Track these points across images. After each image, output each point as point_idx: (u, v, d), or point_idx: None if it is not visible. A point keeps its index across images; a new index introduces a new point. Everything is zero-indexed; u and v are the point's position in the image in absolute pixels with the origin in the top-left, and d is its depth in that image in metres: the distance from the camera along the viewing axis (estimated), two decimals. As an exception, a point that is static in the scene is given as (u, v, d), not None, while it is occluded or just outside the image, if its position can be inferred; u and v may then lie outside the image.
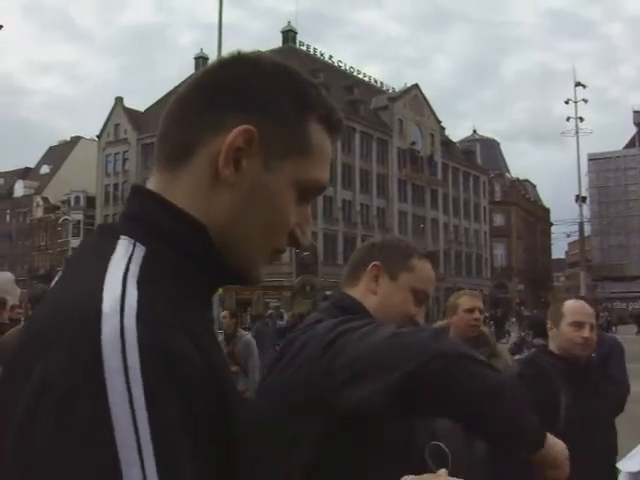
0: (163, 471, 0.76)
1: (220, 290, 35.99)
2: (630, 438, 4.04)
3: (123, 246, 0.92)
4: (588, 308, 3.48)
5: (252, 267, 1.01)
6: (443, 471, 1.17)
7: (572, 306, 3.46)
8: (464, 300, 4.48)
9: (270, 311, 48.72)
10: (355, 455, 1.67)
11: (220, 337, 7.90)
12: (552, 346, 3.48)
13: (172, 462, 0.78)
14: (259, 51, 1.04)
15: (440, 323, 4.82)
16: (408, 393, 1.51)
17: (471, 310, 4.42)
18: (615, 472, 2.91)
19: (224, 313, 8.71)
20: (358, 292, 2.00)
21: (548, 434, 1.59)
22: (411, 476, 1.16)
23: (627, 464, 2.19)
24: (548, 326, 3.55)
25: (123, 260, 0.89)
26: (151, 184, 1.00)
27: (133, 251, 0.91)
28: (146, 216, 0.96)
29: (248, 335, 8.83)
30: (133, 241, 0.92)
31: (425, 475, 1.18)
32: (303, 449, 1.67)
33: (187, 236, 0.95)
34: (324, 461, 1.66)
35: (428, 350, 1.52)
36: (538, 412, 1.71)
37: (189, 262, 0.95)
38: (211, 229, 0.97)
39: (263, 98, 0.98)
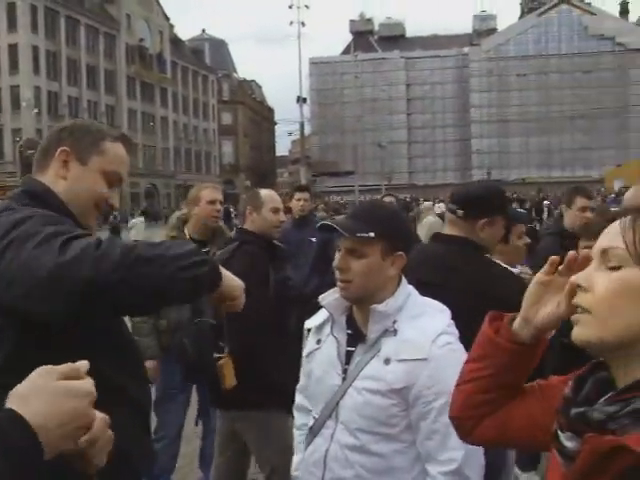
0: None
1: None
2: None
3: None
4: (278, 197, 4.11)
5: None
6: (84, 363, 1.08)
7: (270, 195, 4.05)
8: (207, 192, 4.65)
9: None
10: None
11: None
12: (251, 228, 3.94)
13: None
14: None
15: (178, 213, 4.97)
16: (88, 303, 1.55)
17: (213, 202, 4.62)
18: None
19: None
20: (48, 178, 1.93)
21: (224, 272, 1.76)
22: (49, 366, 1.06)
23: (310, 321, 2.49)
24: (247, 212, 3.94)
25: None
26: None
27: None
28: None
29: None
30: None
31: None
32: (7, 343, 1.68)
33: None
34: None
35: (98, 264, 1.53)
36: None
37: None
38: None
39: None
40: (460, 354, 2.05)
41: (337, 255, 2.19)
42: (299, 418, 2.54)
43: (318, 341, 2.34)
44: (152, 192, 72.38)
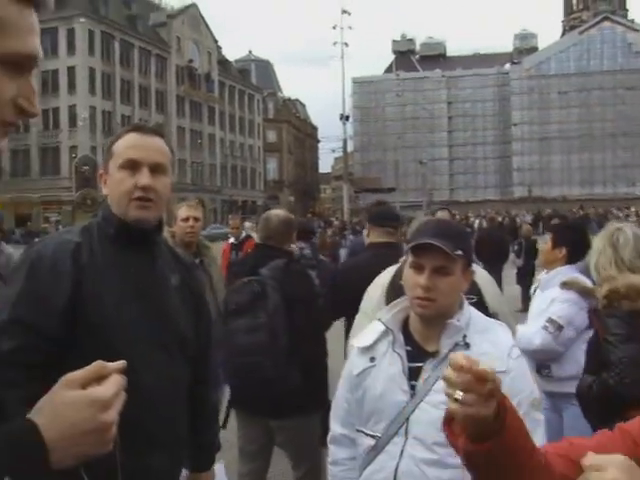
0: None
1: (-1, 206, 36.87)
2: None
3: None
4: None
5: None
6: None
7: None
8: (182, 211, 4.87)
9: (45, 225, 49.74)
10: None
11: None
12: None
13: None
14: None
15: (166, 231, 4.85)
16: None
17: (186, 219, 4.81)
18: None
19: None
20: None
21: None
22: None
23: (360, 340, 2.34)
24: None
25: None
26: None
27: None
28: None
29: (11, 249, 8.50)
30: None
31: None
32: None
33: None
34: None
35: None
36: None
37: None
38: None
39: None
40: (527, 364, 2.25)
41: (418, 274, 2.17)
42: (339, 452, 2.47)
43: (372, 359, 2.30)
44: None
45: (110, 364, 1.10)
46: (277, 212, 4.36)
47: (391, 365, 2.23)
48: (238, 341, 3.72)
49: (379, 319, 2.32)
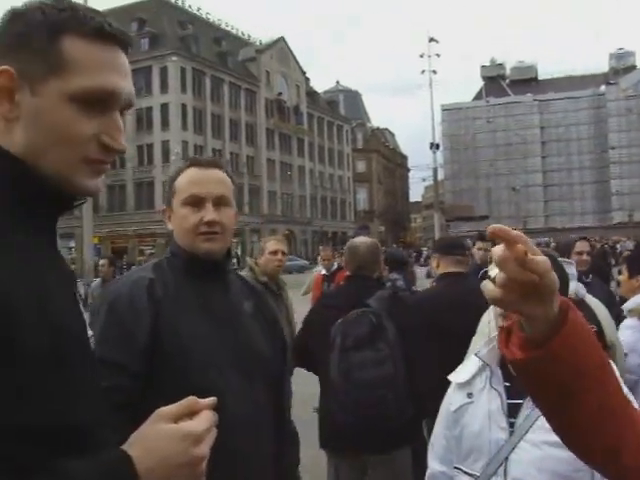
0: None
1: (96, 240, 37.85)
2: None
3: None
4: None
5: (70, 180, 1.08)
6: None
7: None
8: (270, 244, 5.14)
9: (141, 258, 51.08)
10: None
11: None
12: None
13: None
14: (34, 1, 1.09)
15: (250, 261, 5.36)
16: None
17: (275, 252, 5.08)
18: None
19: (102, 261, 9.38)
20: None
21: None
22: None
23: (457, 375, 2.31)
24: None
25: None
26: None
27: None
28: None
29: None
30: None
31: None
32: None
33: None
34: None
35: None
36: None
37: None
38: (19, 160, 1.05)
39: (13, 39, 1.06)
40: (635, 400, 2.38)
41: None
42: None
43: (469, 395, 2.25)
44: (289, 238, 75.23)
45: (202, 400, 1.11)
46: (363, 240, 4.31)
47: (489, 401, 2.18)
48: (364, 375, 3.65)
49: (476, 354, 2.26)
